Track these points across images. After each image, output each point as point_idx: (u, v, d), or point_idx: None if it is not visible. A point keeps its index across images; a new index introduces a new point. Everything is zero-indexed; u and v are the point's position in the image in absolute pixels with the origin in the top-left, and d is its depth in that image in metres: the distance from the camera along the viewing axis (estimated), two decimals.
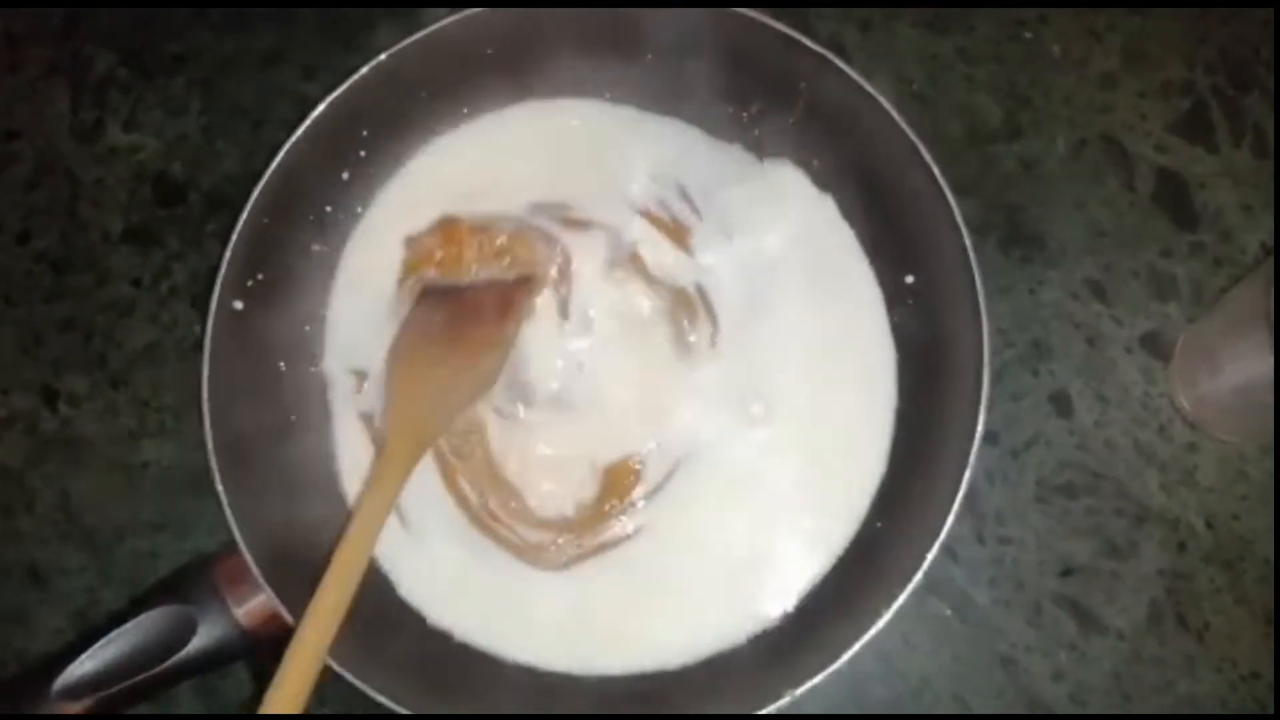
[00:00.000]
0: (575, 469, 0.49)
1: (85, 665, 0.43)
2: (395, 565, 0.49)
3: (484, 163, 0.53)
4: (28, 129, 0.59)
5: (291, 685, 0.39)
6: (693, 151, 0.52)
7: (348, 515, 0.47)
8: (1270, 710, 0.50)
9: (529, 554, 0.48)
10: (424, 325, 0.49)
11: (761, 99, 0.51)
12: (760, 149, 0.52)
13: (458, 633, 0.48)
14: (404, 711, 0.43)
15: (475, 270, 0.50)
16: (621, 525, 0.48)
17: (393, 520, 0.47)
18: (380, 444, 0.49)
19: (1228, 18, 0.57)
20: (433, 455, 0.49)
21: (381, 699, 0.43)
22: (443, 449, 0.49)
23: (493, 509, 0.49)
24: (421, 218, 0.52)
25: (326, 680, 0.41)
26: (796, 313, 0.50)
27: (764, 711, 0.43)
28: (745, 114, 0.52)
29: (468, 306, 0.49)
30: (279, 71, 0.58)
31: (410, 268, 0.51)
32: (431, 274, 0.51)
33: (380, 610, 0.47)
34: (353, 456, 0.50)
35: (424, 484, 0.49)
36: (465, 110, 0.53)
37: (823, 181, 0.51)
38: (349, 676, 0.42)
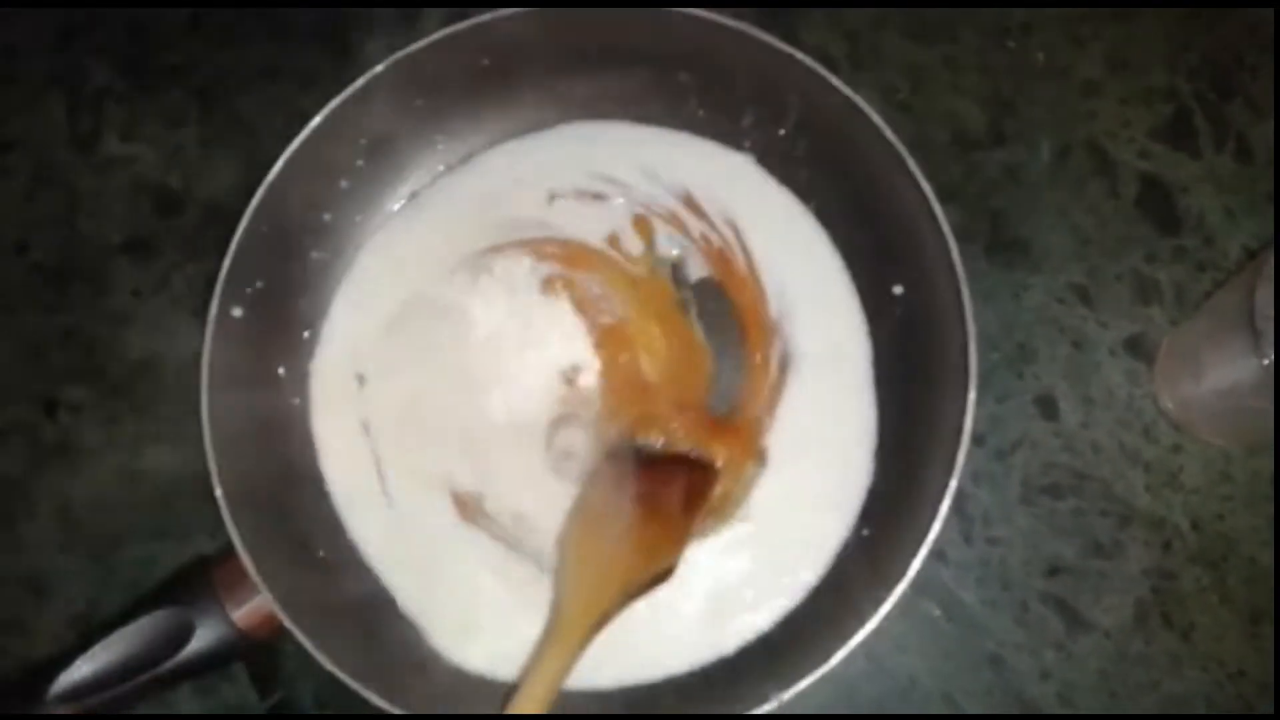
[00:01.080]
0: None
1: (82, 668, 0.44)
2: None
3: (485, 174, 0.53)
4: (25, 140, 0.59)
5: None
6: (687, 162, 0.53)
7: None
8: (1257, 708, 0.50)
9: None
10: (616, 501, 0.45)
11: (752, 111, 0.52)
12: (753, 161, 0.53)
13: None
14: (401, 712, 0.43)
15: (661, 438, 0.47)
16: None
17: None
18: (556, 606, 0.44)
19: (1210, 24, 0.58)
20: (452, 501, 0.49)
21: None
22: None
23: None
24: (422, 226, 0.52)
25: (324, 682, 0.41)
26: None
27: (753, 713, 0.43)
28: (737, 126, 0.53)
29: (661, 497, 0.45)
30: (276, 82, 0.59)
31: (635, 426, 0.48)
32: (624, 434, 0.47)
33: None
34: (347, 462, 0.50)
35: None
36: (465, 118, 0.53)
37: (812, 191, 0.52)
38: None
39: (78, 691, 0.44)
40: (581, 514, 0.46)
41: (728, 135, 0.53)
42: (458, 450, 0.50)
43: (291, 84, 0.59)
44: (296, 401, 0.50)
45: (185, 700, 0.51)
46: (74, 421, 0.55)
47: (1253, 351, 0.44)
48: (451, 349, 0.51)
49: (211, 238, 0.57)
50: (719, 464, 0.48)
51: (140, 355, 0.56)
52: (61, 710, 0.44)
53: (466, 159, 0.53)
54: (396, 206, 0.53)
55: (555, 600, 0.44)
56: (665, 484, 0.46)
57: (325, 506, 0.50)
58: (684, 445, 0.47)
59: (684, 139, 0.53)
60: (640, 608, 0.44)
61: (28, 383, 0.56)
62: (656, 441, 0.47)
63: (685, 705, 0.46)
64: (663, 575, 0.44)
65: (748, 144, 0.53)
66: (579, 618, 0.41)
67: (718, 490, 0.47)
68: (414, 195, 0.53)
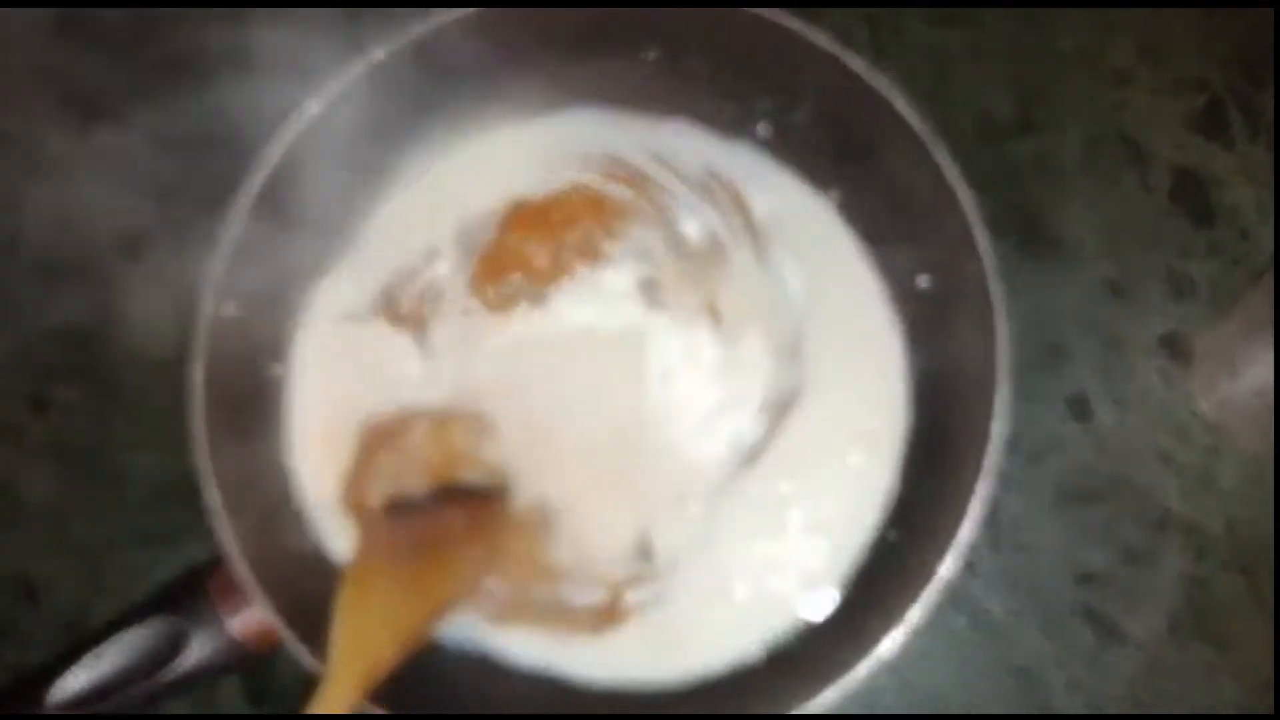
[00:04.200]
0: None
1: (76, 677, 0.43)
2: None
3: (486, 168, 0.52)
4: (16, 132, 0.58)
5: None
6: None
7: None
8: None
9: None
10: (385, 544, 0.45)
11: (768, 98, 0.50)
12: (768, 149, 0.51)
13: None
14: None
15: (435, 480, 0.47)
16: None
17: None
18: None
19: (1244, 12, 0.56)
20: None
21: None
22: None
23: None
24: (422, 217, 0.51)
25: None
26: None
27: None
28: (751, 113, 0.51)
29: (435, 529, 0.45)
30: (271, 73, 0.57)
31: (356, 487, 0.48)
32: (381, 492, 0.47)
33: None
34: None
35: None
36: (466, 111, 0.52)
37: (830, 181, 0.50)
38: None
39: (72, 701, 0.43)
40: (355, 565, 0.44)
41: (740, 123, 0.51)
42: None
43: (288, 75, 0.57)
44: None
45: (176, 710, 0.50)
46: (65, 420, 0.54)
47: None
48: None
49: (206, 232, 0.55)
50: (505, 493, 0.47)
51: (133, 352, 0.55)
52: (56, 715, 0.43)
53: (468, 143, 0.52)
54: (395, 196, 0.52)
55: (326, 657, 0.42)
56: (439, 520, 0.46)
57: (325, 510, 0.48)
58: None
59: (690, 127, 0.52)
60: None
61: (18, 381, 0.55)
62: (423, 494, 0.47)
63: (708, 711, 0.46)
64: (447, 610, 0.44)
65: (762, 132, 0.51)
66: (349, 660, 0.40)
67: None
68: (413, 182, 0.52)
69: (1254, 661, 0.49)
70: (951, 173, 0.45)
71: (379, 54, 0.47)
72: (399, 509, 0.47)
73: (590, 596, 0.47)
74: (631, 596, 0.47)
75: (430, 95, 0.50)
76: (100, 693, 0.43)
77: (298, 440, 0.49)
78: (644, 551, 0.47)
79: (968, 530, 0.42)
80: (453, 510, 0.47)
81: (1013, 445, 0.50)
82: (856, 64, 0.46)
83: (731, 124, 0.51)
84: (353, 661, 0.40)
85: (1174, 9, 0.56)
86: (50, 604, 0.52)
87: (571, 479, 0.48)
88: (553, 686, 0.47)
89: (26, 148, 0.57)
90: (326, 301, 0.50)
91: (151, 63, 0.58)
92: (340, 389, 0.49)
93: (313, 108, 0.47)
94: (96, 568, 0.52)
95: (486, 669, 0.47)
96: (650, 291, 0.49)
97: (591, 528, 0.48)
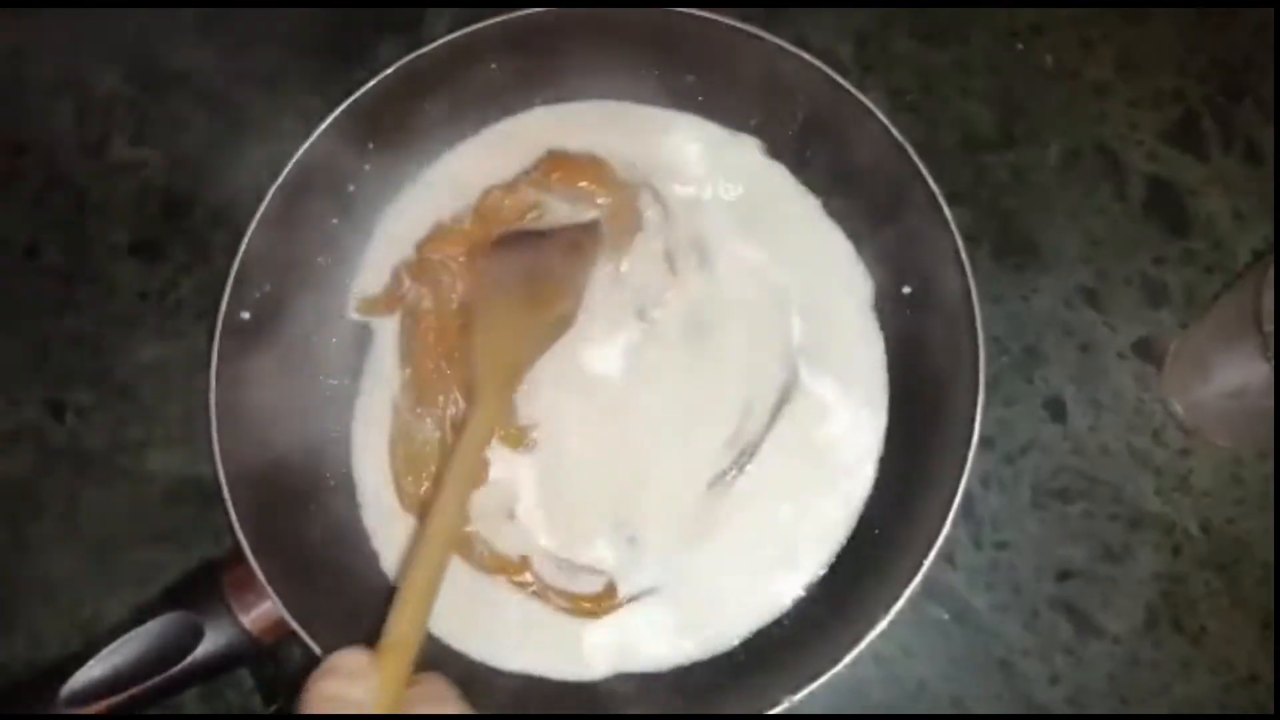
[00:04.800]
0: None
1: (93, 670, 0.44)
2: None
3: (494, 173, 0.53)
4: (34, 144, 0.59)
5: (411, 608, 0.37)
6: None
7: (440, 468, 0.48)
8: (1269, 712, 0.50)
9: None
10: (499, 274, 0.50)
11: (760, 113, 0.52)
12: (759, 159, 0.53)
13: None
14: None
15: (543, 215, 0.52)
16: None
17: None
18: (466, 389, 0.49)
19: (1220, 26, 0.58)
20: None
21: None
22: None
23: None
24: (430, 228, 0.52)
25: None
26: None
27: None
28: (745, 127, 0.53)
29: (540, 255, 0.50)
30: (284, 85, 0.59)
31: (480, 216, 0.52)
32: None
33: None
34: (369, 462, 0.50)
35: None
36: (473, 121, 0.53)
37: (818, 191, 0.52)
38: None
39: (88, 693, 0.44)
40: (475, 300, 0.50)
41: (730, 136, 0.53)
42: None
43: (299, 87, 0.59)
44: (304, 404, 0.50)
45: (188, 705, 0.51)
46: (81, 424, 0.55)
47: (1260, 354, 0.44)
48: None
49: (219, 241, 0.57)
50: (599, 222, 0.52)
51: (148, 358, 0.56)
52: (72, 711, 0.43)
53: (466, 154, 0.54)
54: (402, 210, 0.53)
55: (469, 371, 0.47)
56: (543, 245, 0.51)
57: (337, 507, 0.50)
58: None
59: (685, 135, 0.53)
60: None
61: (36, 385, 0.56)
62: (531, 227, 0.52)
63: (690, 707, 0.46)
64: (563, 322, 0.49)
65: (752, 144, 0.53)
66: (491, 375, 0.46)
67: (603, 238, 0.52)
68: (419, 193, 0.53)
69: (1229, 656, 0.50)
70: (934, 185, 0.46)
71: (388, 70, 0.49)
72: (505, 242, 0.51)
73: (589, 586, 0.48)
74: (624, 586, 0.48)
75: (433, 108, 0.52)
76: (118, 684, 0.44)
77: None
78: (632, 540, 0.49)
79: (947, 527, 0.43)
80: (552, 240, 0.51)
81: (992, 446, 0.52)
82: (843, 80, 0.48)
83: (719, 139, 0.53)
84: (494, 375, 0.46)
85: (1153, 22, 0.57)
86: (67, 603, 0.53)
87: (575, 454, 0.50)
88: (540, 682, 0.48)
89: (44, 157, 0.59)
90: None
91: (166, 74, 0.59)
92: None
93: (324, 121, 0.49)
94: (113, 567, 0.53)
95: (473, 670, 0.48)
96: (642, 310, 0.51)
97: (585, 511, 0.49)
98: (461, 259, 0.51)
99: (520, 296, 0.49)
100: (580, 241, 0.51)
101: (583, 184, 0.52)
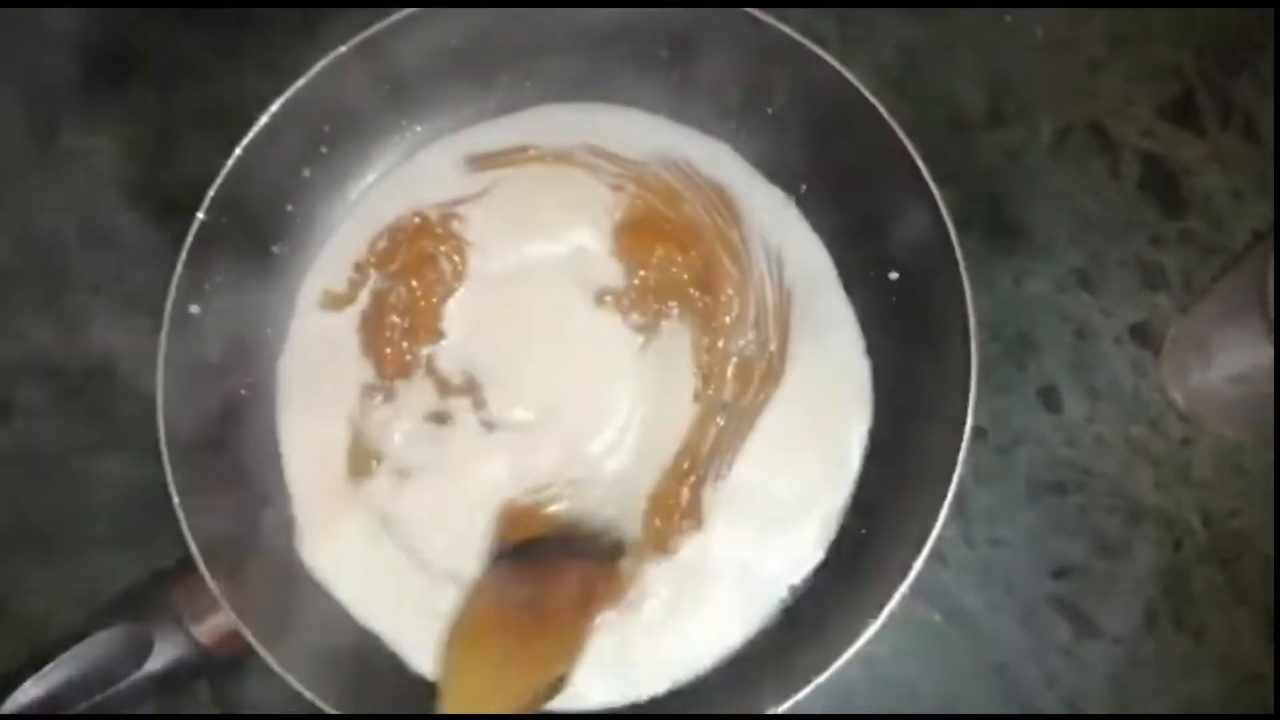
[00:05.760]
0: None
1: (34, 689, 0.42)
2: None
3: (449, 161, 0.51)
4: None
5: None
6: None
7: None
8: (1272, 712, 0.49)
9: None
10: (498, 602, 0.43)
11: (740, 90, 0.50)
12: (734, 141, 0.51)
13: None
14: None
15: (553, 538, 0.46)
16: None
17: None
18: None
19: None
20: None
21: None
22: None
23: None
24: (389, 216, 0.50)
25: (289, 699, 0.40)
26: None
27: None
28: (724, 106, 0.51)
29: (549, 588, 0.44)
30: (237, 69, 0.57)
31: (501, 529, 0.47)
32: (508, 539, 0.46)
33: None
34: (308, 466, 0.48)
35: None
36: (435, 100, 0.51)
37: (800, 175, 0.50)
38: None
39: (28, 715, 0.42)
40: (466, 622, 0.43)
41: (712, 116, 0.51)
42: None
43: (253, 71, 0.57)
44: (256, 404, 0.49)
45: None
46: (30, 425, 0.53)
47: (1264, 337, 0.43)
48: None
49: (172, 231, 0.55)
50: (622, 554, 0.46)
51: (98, 355, 0.53)
52: None
53: (435, 140, 0.52)
54: (359, 196, 0.51)
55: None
56: (555, 584, 0.44)
57: (289, 513, 0.48)
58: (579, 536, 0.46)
59: (664, 122, 0.51)
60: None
61: None
62: (544, 538, 0.46)
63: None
64: (556, 686, 0.42)
65: (734, 125, 0.51)
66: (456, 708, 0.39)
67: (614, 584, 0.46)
68: (376, 183, 0.51)
69: (1234, 654, 0.49)
70: (921, 166, 0.44)
71: (342, 48, 0.47)
72: (514, 560, 0.45)
73: None
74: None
75: (392, 90, 0.50)
76: (60, 703, 0.42)
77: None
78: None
79: (939, 524, 0.41)
80: (567, 576, 0.44)
81: (983, 437, 0.51)
82: (826, 55, 0.46)
83: (703, 116, 0.51)
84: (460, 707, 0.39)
85: None
86: (16, 612, 0.51)
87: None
88: None
89: None
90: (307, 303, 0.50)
91: (116, 60, 0.57)
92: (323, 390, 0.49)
93: (274, 104, 0.47)
94: (64, 575, 0.51)
95: None
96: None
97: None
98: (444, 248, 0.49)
99: (514, 639, 0.42)
100: (595, 584, 0.44)
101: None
